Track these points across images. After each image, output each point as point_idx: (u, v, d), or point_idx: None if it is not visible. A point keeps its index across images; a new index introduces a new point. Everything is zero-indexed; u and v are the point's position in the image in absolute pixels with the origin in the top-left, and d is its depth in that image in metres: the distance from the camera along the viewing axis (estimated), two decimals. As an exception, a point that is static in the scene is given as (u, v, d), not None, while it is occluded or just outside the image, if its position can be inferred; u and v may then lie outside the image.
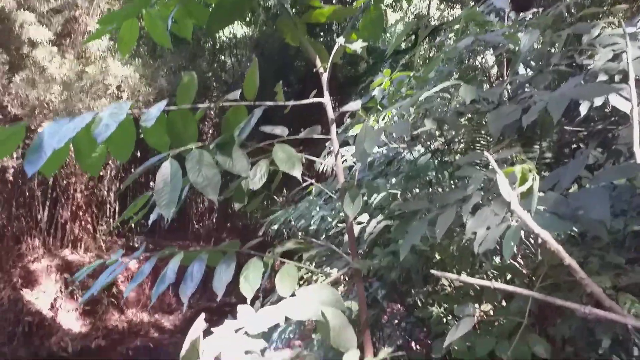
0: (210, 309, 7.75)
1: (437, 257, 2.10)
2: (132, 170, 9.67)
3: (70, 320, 7.70)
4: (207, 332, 1.26)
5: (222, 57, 10.51)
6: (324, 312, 1.27)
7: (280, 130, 1.65)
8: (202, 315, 1.18)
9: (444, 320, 2.20)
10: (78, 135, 1.34)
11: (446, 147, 2.32)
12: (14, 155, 6.90)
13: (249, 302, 1.47)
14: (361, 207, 1.79)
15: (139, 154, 8.53)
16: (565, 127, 2.11)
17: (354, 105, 1.58)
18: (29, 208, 7.90)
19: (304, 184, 2.88)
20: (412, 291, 2.76)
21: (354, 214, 1.45)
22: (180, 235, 10.81)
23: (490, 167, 1.56)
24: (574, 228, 1.35)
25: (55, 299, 7.60)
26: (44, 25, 6.53)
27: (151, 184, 12.03)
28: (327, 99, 1.57)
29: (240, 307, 1.31)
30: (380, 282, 2.55)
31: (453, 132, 2.53)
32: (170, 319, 8.87)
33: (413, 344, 2.85)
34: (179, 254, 1.71)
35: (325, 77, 1.66)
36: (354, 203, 1.44)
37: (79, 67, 6.62)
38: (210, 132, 10.12)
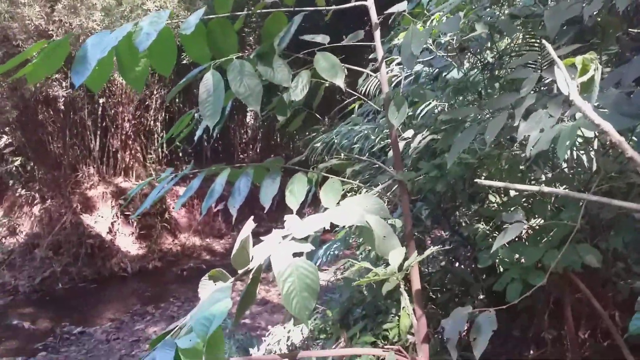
0: (259, 234, 8.03)
1: (484, 172, 2.05)
2: (175, 102, 9.79)
3: (128, 243, 8.18)
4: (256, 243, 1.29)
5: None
6: (368, 220, 1.27)
7: (322, 39, 1.58)
8: (251, 218, 1.20)
9: (490, 237, 2.18)
10: (120, 46, 1.33)
11: (499, 59, 2.19)
12: (63, 84, 7.10)
13: (294, 213, 1.48)
14: (406, 122, 1.74)
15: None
16: (630, 31, 1.94)
17: (401, 5, 1.48)
18: (82, 137, 8.21)
19: (346, 101, 2.82)
20: (457, 212, 2.73)
21: (400, 123, 1.40)
22: (229, 161, 11.05)
23: (546, 66, 1.46)
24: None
25: (112, 223, 8.06)
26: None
27: (196, 115, 12.13)
28: (370, 1, 1.48)
29: (287, 217, 1.33)
30: (423, 202, 2.53)
31: (504, 42, 2.37)
32: (220, 243, 9.30)
33: (457, 264, 2.86)
34: (226, 169, 1.73)
35: (368, -21, 1.56)
36: (399, 111, 1.39)
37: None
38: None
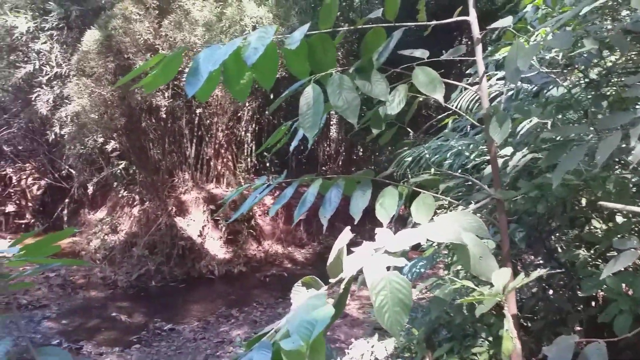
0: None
1: (587, 195, 1.92)
2: (264, 114, 10.16)
3: (216, 247, 8.57)
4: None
5: (352, -5, 10.33)
6: (464, 239, 1.24)
7: (421, 53, 1.58)
8: (348, 228, 1.21)
9: (592, 264, 2.03)
10: (228, 60, 1.42)
11: (605, 76, 2.05)
12: (166, 94, 7.64)
13: (385, 227, 1.48)
14: (505, 139, 1.67)
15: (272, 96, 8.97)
16: None
17: (506, 20, 1.44)
18: (179, 145, 8.76)
19: (438, 117, 2.78)
20: (553, 236, 2.58)
21: (502, 139, 1.36)
22: (311, 172, 11.25)
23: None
24: None
25: (203, 227, 8.50)
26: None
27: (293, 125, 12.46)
28: (473, 16, 1.45)
29: (378, 230, 1.33)
30: (518, 223, 2.41)
31: (613, 59, 2.22)
32: (301, 252, 9.46)
33: (551, 292, 2.69)
34: (317, 180, 1.76)
35: (471, -6, 1.53)
36: (501, 127, 1.34)
37: (218, 9, 6.97)
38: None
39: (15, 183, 10.49)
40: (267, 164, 11.70)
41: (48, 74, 6.87)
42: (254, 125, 10.03)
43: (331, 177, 1.80)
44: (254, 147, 10.38)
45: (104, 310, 6.35)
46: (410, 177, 2.67)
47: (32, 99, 7.24)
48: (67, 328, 5.77)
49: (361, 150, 12.02)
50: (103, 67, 6.31)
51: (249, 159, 10.13)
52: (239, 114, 9.54)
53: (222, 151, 9.43)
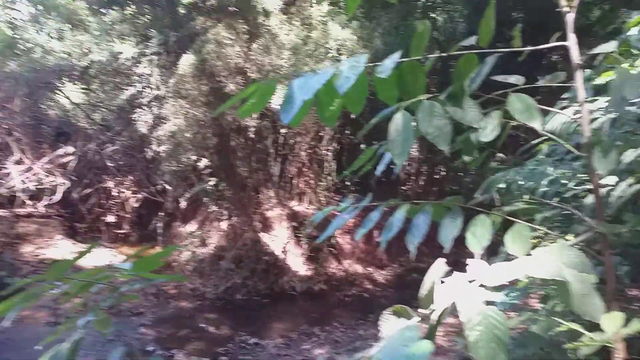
0: (419, 269, 7.95)
1: None
2: (345, 134, 10.26)
3: (297, 263, 8.72)
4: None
5: (434, 15, 10.23)
6: (565, 275, 1.17)
7: (515, 79, 1.53)
8: (442, 260, 1.20)
9: None
10: (321, 88, 1.47)
11: None
12: (253, 115, 7.96)
13: (476, 257, 1.44)
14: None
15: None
16: None
17: (609, 45, 1.37)
18: (264, 163, 9.08)
19: (531, 142, 2.66)
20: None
21: (607, 169, 1.28)
22: (388, 196, 11.11)
23: None
24: None
25: (285, 244, 8.69)
26: (275, -6, 7.24)
27: (361, 146, 12.58)
28: (572, 41, 1.39)
29: (471, 261, 1.29)
30: (621, 257, 2.24)
31: None
32: (382, 274, 9.36)
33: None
34: (404, 205, 1.75)
35: (571, 17, 1.47)
36: (606, 157, 1.27)
37: (304, 33, 7.19)
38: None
39: (115, 196, 11.36)
40: (347, 183, 11.77)
41: (148, 96, 7.43)
42: (335, 145, 10.16)
43: (419, 203, 1.78)
44: (334, 166, 10.51)
45: (193, 321, 6.66)
46: (501, 202, 2.57)
47: (133, 118, 7.86)
48: (160, 336, 6.11)
49: (444, 170, 11.73)
50: (197, 90, 6.73)
51: (329, 177, 10.26)
52: (321, 134, 9.72)
53: (305, 169, 9.64)
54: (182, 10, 8.29)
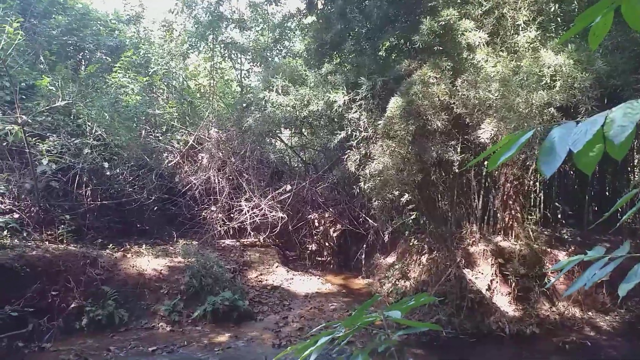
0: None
1: None
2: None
3: (504, 303, 8.24)
4: None
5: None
6: None
7: None
8: None
9: None
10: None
11: None
12: (457, 149, 7.93)
13: None
14: None
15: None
16: None
17: None
18: (467, 197, 8.90)
19: None
20: None
21: None
22: (606, 227, 9.91)
23: None
24: None
25: (491, 281, 8.31)
26: (479, 29, 7.18)
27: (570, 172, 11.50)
28: None
29: None
30: None
31: None
32: (606, 320, 8.28)
33: None
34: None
35: None
36: None
37: (512, 63, 6.95)
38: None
39: (318, 227, 12.31)
40: (559, 215, 10.82)
41: (357, 138, 7.97)
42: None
43: None
44: (542, 197, 9.77)
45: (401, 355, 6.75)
46: None
47: (343, 158, 8.48)
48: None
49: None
50: (405, 130, 6.97)
51: (536, 210, 9.56)
52: (528, 163, 9.16)
53: (510, 202, 9.15)
54: (386, 55, 8.78)
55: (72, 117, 9.79)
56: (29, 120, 8.63)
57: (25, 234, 8.26)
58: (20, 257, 7.15)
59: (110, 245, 9.07)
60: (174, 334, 7.44)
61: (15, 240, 7.88)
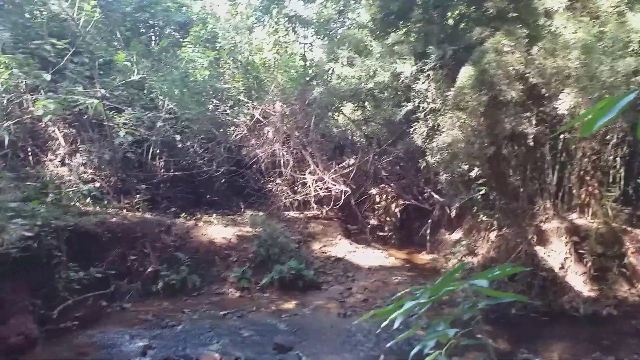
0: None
1: None
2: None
3: (578, 282, 7.89)
4: None
5: None
6: None
7: None
8: None
9: None
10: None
11: None
12: (532, 122, 7.56)
13: None
14: None
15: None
16: None
17: None
18: (540, 172, 8.50)
19: None
20: None
21: None
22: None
23: None
24: None
25: (564, 259, 7.97)
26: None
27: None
28: None
29: None
30: None
31: None
32: (692, 303, 7.76)
33: None
34: None
35: None
36: None
37: (594, 28, 6.49)
38: None
39: (381, 201, 12.25)
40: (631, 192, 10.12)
41: (424, 110, 7.77)
42: (624, 149, 8.86)
43: None
44: (622, 174, 9.16)
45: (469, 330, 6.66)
46: None
47: (409, 131, 8.31)
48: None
49: None
50: (477, 101, 6.72)
51: (617, 187, 8.99)
52: (607, 137, 8.60)
53: (587, 178, 8.66)
54: (455, 23, 8.45)
55: (145, 91, 10.21)
56: (107, 95, 9.08)
57: (105, 202, 8.78)
58: (102, 223, 7.63)
59: (183, 214, 9.49)
60: (243, 299, 7.73)
61: (97, 207, 8.40)
